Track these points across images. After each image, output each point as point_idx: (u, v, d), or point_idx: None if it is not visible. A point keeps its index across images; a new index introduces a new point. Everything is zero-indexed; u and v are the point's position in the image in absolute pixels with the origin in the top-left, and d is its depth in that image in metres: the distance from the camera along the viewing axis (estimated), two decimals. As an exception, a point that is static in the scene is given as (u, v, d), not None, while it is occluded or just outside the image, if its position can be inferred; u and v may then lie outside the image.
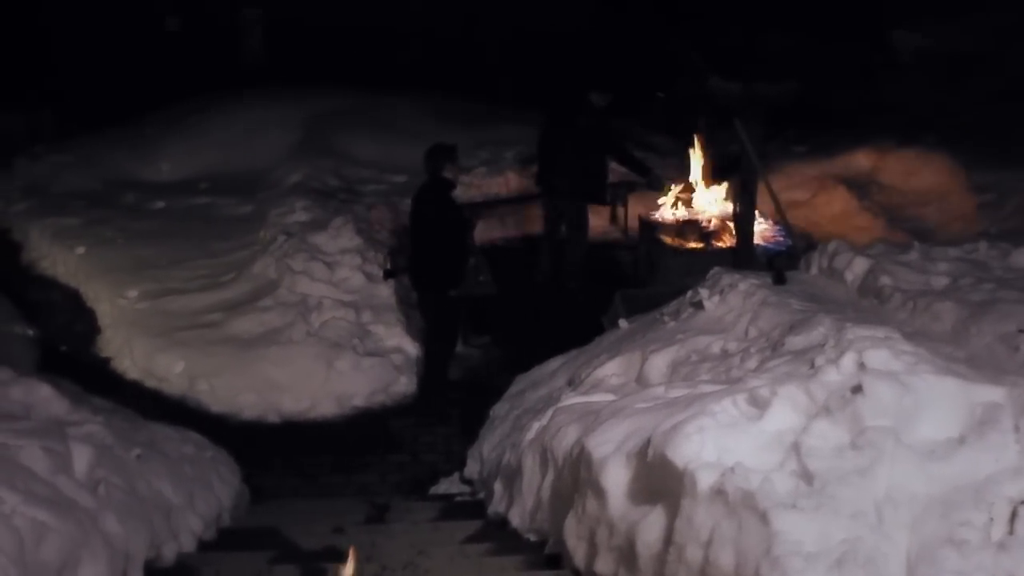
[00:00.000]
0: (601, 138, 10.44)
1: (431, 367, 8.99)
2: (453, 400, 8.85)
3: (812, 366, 4.39)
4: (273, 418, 8.57)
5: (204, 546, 5.67)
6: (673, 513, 3.84)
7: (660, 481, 3.98)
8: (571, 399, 6.00)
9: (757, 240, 9.65)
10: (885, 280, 6.17)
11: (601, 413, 4.92)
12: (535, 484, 5.55)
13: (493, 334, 9.78)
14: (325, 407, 8.66)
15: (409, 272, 9.11)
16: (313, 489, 7.70)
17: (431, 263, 8.70)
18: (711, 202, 10.62)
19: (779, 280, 6.63)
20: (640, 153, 12.05)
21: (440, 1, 16.16)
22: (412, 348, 9.23)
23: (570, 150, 10.32)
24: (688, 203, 10.71)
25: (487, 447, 7.31)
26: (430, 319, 9.01)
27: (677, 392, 4.90)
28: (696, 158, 10.72)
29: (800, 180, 12.22)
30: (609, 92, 10.37)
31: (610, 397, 5.64)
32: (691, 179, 10.79)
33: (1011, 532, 3.38)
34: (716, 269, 7.21)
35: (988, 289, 5.75)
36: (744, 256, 9.11)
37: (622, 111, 11.47)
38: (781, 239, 9.94)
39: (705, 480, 3.70)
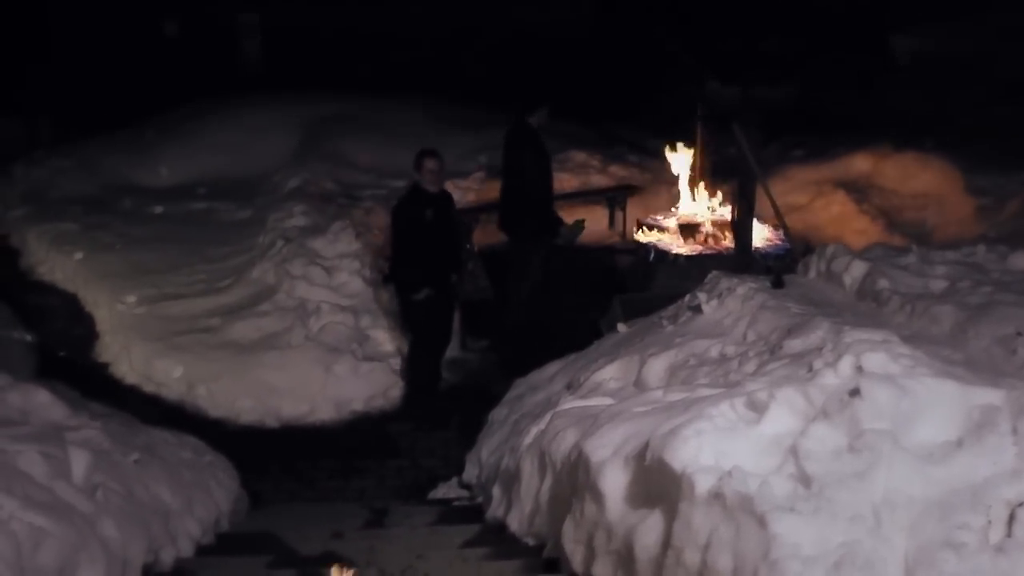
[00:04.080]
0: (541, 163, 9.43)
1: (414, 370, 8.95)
2: (450, 405, 8.83)
3: (810, 369, 4.38)
4: (271, 423, 8.57)
5: (202, 551, 5.67)
6: (671, 517, 3.84)
7: (658, 485, 3.98)
8: (569, 403, 5.99)
9: (756, 244, 9.65)
10: (883, 283, 6.17)
11: (599, 417, 4.92)
12: (533, 488, 5.54)
13: (491, 338, 9.77)
14: (323, 412, 8.66)
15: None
16: (311, 494, 7.70)
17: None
18: (708, 206, 10.60)
19: (777, 284, 6.64)
20: (637, 157, 11.99)
21: (439, 5, 16.18)
22: (411, 353, 9.21)
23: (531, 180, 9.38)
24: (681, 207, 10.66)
25: (486, 451, 7.31)
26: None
27: (675, 396, 4.90)
28: (688, 163, 10.65)
29: (798, 184, 12.22)
30: (544, 107, 9.31)
31: (608, 401, 5.64)
32: (683, 183, 10.71)
33: (1009, 535, 3.38)
34: (714, 273, 7.22)
35: (986, 292, 5.76)
36: (742, 260, 9.11)
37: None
38: (779, 243, 9.93)
39: (703, 484, 3.70)
